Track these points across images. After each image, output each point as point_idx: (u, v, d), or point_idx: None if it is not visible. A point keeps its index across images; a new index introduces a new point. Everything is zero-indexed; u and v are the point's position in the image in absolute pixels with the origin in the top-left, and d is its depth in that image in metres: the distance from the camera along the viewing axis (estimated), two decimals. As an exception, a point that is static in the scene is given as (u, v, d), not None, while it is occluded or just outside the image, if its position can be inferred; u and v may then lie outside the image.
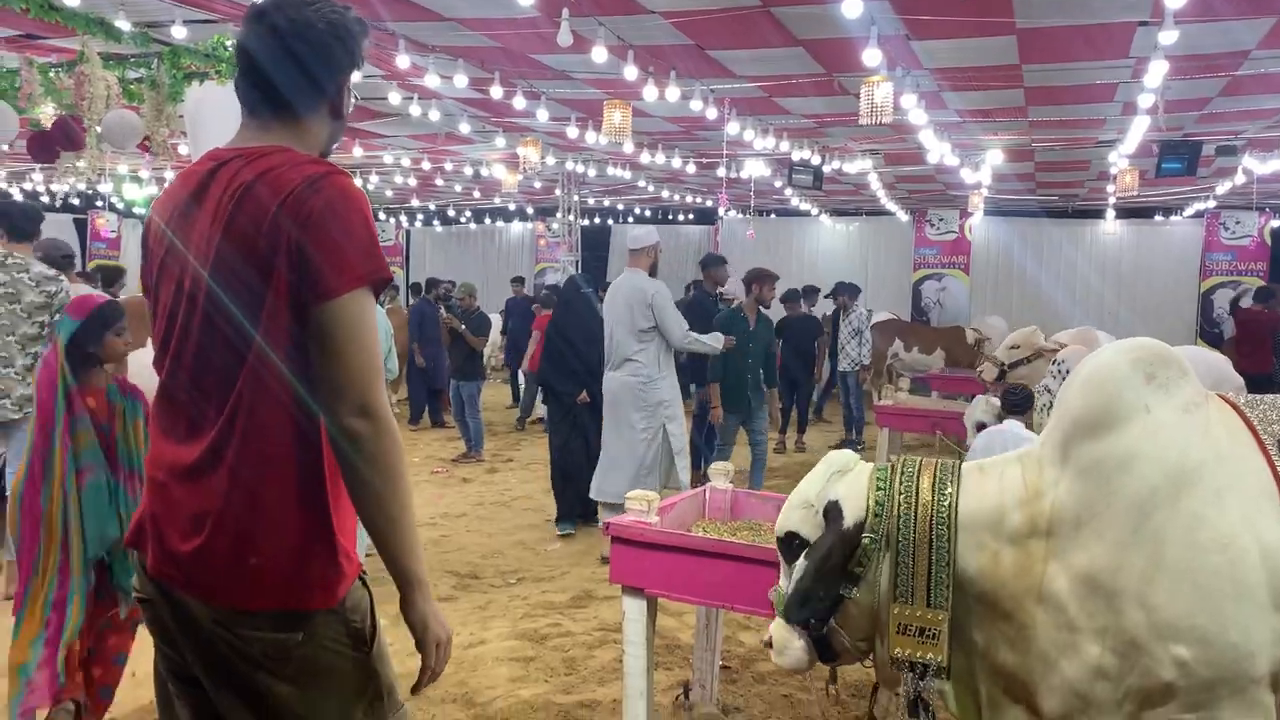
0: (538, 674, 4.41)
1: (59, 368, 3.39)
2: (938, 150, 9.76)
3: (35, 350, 5.13)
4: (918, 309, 17.98)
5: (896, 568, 2.28)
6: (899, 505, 2.32)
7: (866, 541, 2.32)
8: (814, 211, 17.72)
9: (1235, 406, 2.28)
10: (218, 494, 1.76)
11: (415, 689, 1.89)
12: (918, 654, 2.26)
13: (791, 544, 2.44)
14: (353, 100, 2.07)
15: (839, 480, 2.43)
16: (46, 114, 6.57)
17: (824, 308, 13.22)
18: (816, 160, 11.39)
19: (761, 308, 7.84)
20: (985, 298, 17.67)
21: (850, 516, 2.35)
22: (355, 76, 2.05)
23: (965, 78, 7.83)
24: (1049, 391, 5.97)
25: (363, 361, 1.74)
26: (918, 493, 2.32)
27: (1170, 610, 2.05)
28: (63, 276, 5.36)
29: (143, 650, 3.52)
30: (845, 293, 11.91)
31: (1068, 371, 7.10)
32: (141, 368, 6.03)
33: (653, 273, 6.58)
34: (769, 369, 7.90)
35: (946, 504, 2.29)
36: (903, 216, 17.84)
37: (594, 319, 7.10)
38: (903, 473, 2.38)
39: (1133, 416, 2.21)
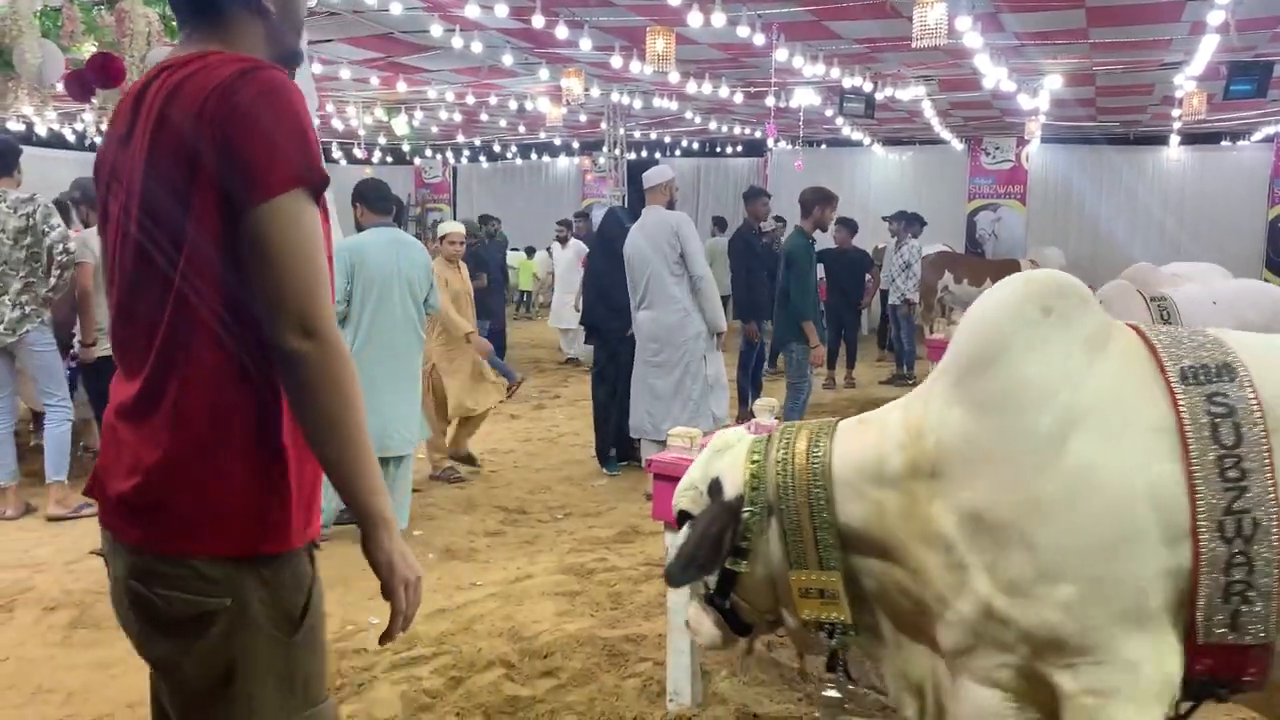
0: (583, 608, 4.42)
1: None
2: (994, 76, 9.46)
3: (25, 274, 5.27)
4: (972, 241, 17.61)
5: (785, 535, 2.27)
6: (775, 473, 2.30)
7: (747, 515, 2.30)
8: (865, 141, 17.32)
9: (1144, 336, 2.18)
10: (157, 430, 1.60)
11: (384, 638, 1.71)
12: (823, 615, 2.27)
13: (683, 524, 2.46)
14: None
15: (721, 458, 2.42)
16: (88, 52, 6.54)
17: (876, 239, 12.97)
18: (868, 87, 11.10)
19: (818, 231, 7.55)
20: (1042, 229, 17.22)
21: (731, 491, 2.34)
22: None
23: (1025, -2, 7.53)
24: None
25: (302, 272, 1.55)
26: (793, 457, 2.29)
27: (1053, 551, 2.00)
28: (38, 195, 5.56)
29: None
30: (900, 222, 11.60)
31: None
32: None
33: (671, 208, 6.47)
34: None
35: (820, 462, 2.26)
36: (957, 145, 17.39)
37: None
38: (781, 440, 2.36)
39: (1025, 352, 2.13)
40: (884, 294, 11.88)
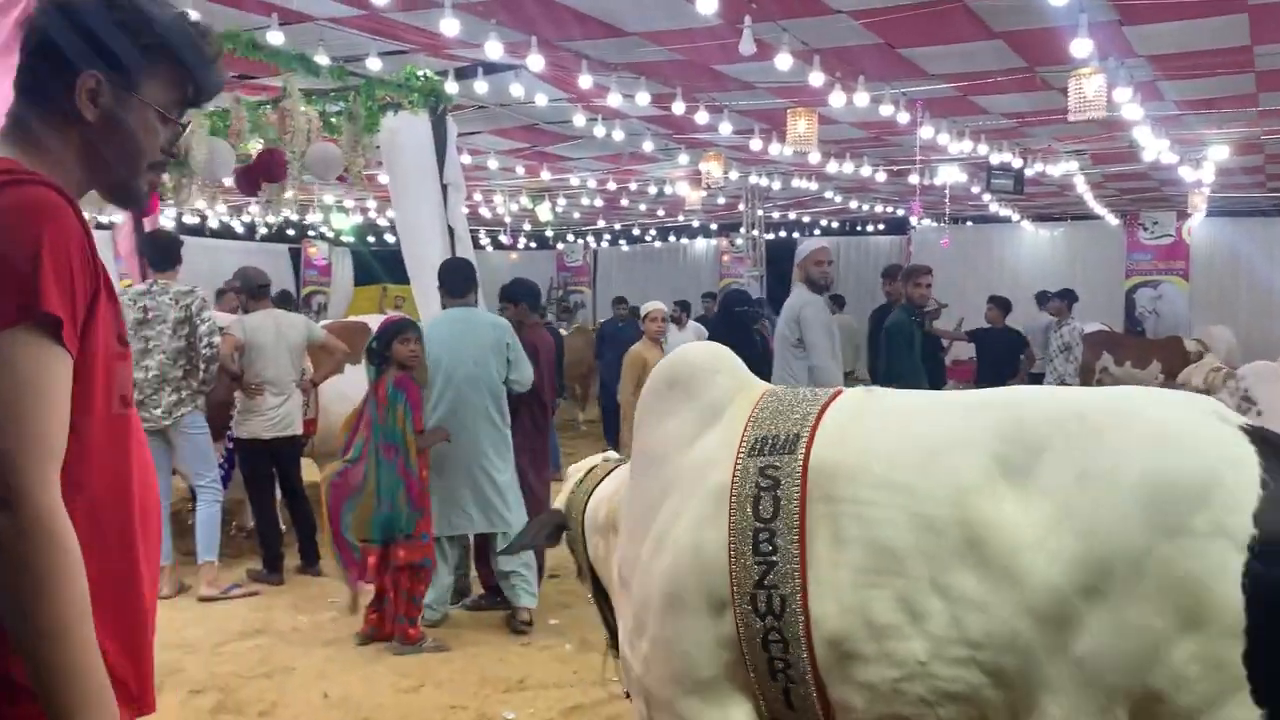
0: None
1: (366, 368, 4.98)
2: (1154, 147, 9.01)
3: (184, 363, 5.48)
4: (1131, 319, 16.74)
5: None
6: (573, 504, 2.66)
7: (565, 535, 2.68)
8: (1014, 218, 16.81)
9: (759, 405, 2.21)
10: None
11: None
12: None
13: None
14: (160, 118, 1.51)
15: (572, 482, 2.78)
16: (254, 149, 6.91)
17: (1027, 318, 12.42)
18: (1017, 163, 10.75)
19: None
20: (1208, 305, 16.21)
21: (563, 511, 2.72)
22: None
23: (1186, 64, 7.16)
24: None
25: (5, 428, 1.26)
26: (581, 493, 2.66)
27: (639, 607, 2.18)
28: (196, 288, 5.81)
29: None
30: (1061, 300, 11.01)
31: (1245, 391, 6.23)
32: (349, 384, 6.37)
33: (814, 285, 6.02)
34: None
35: (582, 501, 2.62)
36: (1112, 220, 16.68)
37: (746, 337, 6.86)
38: (588, 476, 2.70)
39: (655, 421, 2.32)
40: (1035, 376, 11.31)
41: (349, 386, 6.48)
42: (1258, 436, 1.79)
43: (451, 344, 5.21)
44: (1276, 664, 1.65)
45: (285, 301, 11.34)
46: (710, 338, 7.63)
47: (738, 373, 2.38)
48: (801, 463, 2.01)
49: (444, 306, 5.56)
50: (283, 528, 6.35)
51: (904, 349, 7.07)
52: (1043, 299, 11.93)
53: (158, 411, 5.57)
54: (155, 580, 1.56)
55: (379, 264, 18.31)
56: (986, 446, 1.90)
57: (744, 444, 2.10)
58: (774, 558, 1.96)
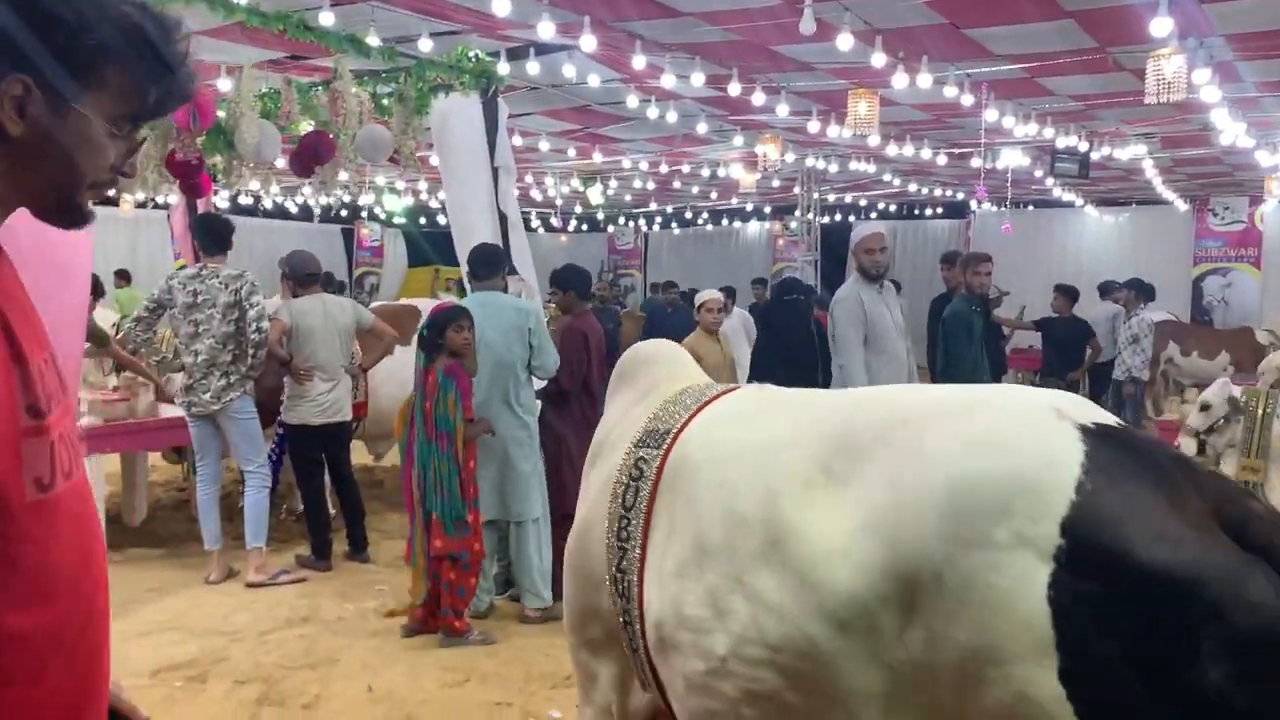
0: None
1: (415, 356, 4.88)
2: (1231, 131, 8.63)
3: (233, 347, 5.44)
4: (1198, 308, 16.23)
5: None
6: None
7: None
8: (1078, 202, 16.34)
9: (673, 396, 2.33)
10: None
11: None
12: None
13: None
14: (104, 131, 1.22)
15: None
16: (304, 130, 6.86)
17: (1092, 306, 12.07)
18: (1083, 146, 10.40)
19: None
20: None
21: None
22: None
23: (1266, 43, 6.81)
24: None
25: None
26: None
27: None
28: (246, 272, 5.74)
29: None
30: (1131, 290, 10.61)
31: None
32: (399, 365, 6.33)
33: (865, 274, 5.66)
34: None
35: None
36: (1181, 206, 16.15)
37: (799, 326, 6.64)
38: None
39: (605, 405, 2.63)
40: (1102, 366, 10.94)
41: (399, 367, 6.43)
42: (1099, 435, 1.63)
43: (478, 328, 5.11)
44: (1095, 680, 1.50)
45: (331, 284, 11.36)
46: (763, 327, 7.42)
47: (674, 365, 2.56)
48: (662, 456, 2.14)
49: (472, 290, 5.49)
50: (331, 512, 6.32)
51: (963, 338, 6.82)
52: (1106, 289, 11.56)
53: (206, 396, 5.56)
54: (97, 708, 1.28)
55: (430, 246, 18.35)
56: (813, 450, 1.87)
57: (637, 435, 2.24)
58: (627, 544, 2.12)
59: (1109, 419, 1.71)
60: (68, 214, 1.25)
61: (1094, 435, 1.63)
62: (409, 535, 5.01)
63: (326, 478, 6.25)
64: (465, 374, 4.82)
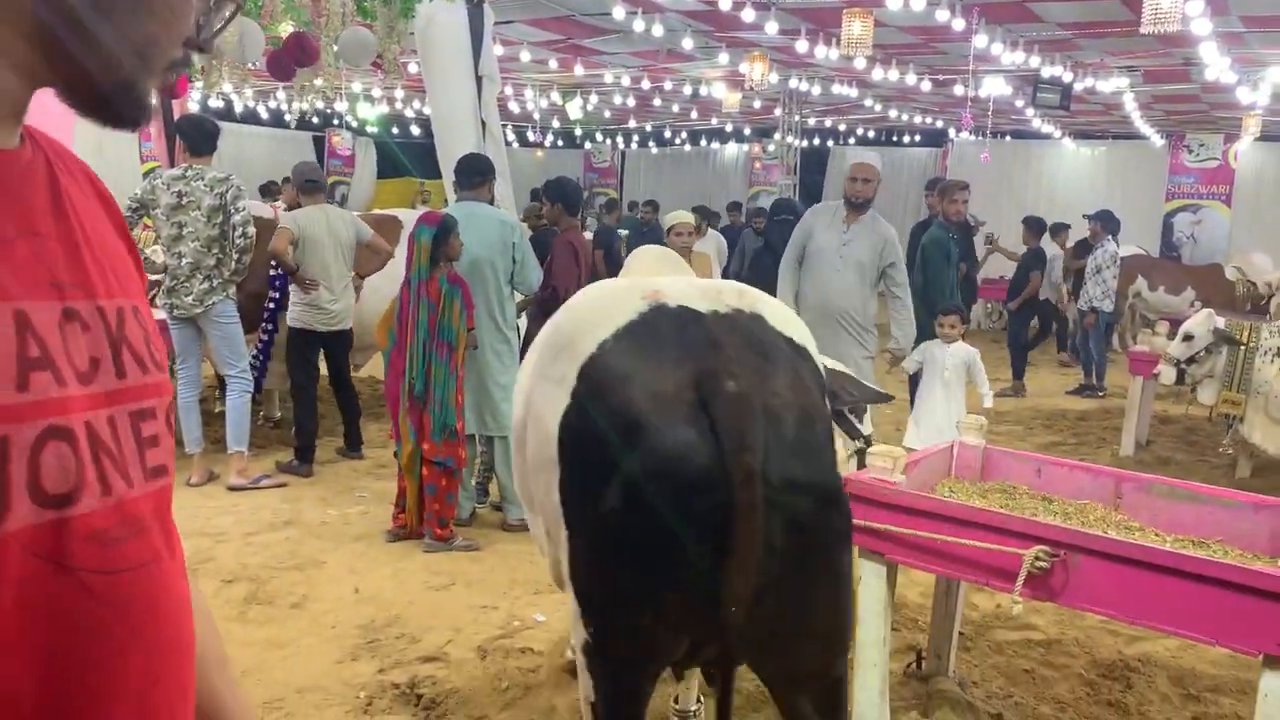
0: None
1: (414, 265, 4.76)
2: (1217, 66, 8.64)
3: (217, 251, 5.40)
4: (1168, 244, 16.42)
5: None
6: None
7: None
8: (1056, 134, 16.36)
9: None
10: None
11: None
12: None
13: None
14: None
15: None
16: (285, 32, 6.70)
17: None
18: (1067, 77, 10.37)
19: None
20: (1249, 232, 15.86)
21: None
22: None
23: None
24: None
25: None
26: None
27: None
28: (232, 176, 5.62)
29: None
30: (1097, 221, 10.72)
31: None
32: (382, 278, 6.29)
33: (847, 202, 5.57)
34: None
35: None
36: (1157, 141, 16.22)
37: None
38: None
39: None
40: (1044, 303, 11.10)
41: (383, 280, 6.40)
42: (653, 311, 1.99)
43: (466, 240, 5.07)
44: (571, 490, 1.97)
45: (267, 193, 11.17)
46: (765, 246, 7.46)
47: (655, 265, 2.88)
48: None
49: (457, 199, 5.44)
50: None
51: (940, 263, 6.98)
52: (1055, 230, 11.63)
53: (189, 299, 5.51)
54: None
55: (403, 156, 18.05)
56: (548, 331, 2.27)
57: None
58: None
59: (701, 306, 2.01)
60: (126, 104, 0.81)
61: (649, 311, 2.00)
62: (394, 441, 5.02)
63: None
64: (466, 284, 4.82)
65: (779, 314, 2.12)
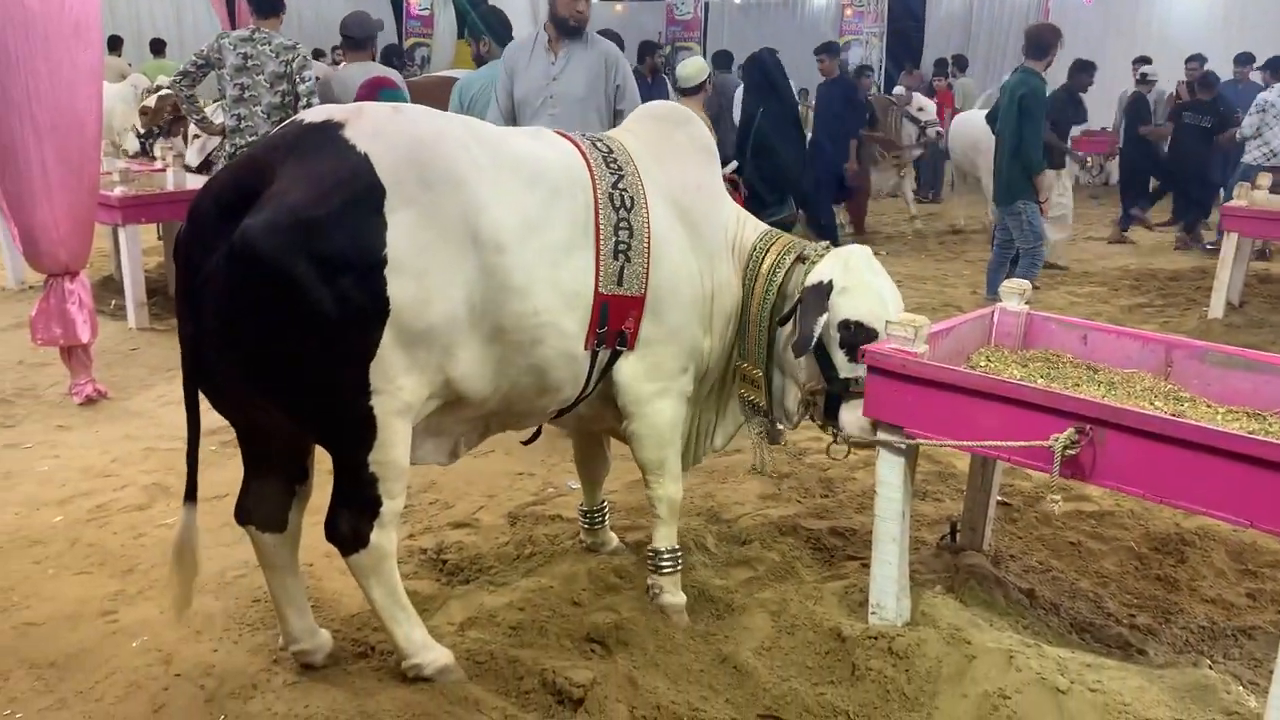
0: (790, 493, 4.12)
1: None
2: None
3: (278, 118, 5.34)
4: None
5: None
6: None
7: None
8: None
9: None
10: None
11: None
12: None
13: None
14: None
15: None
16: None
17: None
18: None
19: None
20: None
21: None
22: None
23: None
24: None
25: None
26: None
27: None
28: (299, 45, 5.56)
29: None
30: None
31: None
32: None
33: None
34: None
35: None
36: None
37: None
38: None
39: None
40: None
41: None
42: (386, 146, 2.38)
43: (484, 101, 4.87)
44: None
45: (393, 59, 10.93)
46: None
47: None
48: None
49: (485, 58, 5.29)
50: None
51: (1040, 119, 6.85)
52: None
53: None
54: None
55: (478, 16, 17.64)
56: None
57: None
58: None
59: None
60: None
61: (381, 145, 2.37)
62: None
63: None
64: None
65: None
